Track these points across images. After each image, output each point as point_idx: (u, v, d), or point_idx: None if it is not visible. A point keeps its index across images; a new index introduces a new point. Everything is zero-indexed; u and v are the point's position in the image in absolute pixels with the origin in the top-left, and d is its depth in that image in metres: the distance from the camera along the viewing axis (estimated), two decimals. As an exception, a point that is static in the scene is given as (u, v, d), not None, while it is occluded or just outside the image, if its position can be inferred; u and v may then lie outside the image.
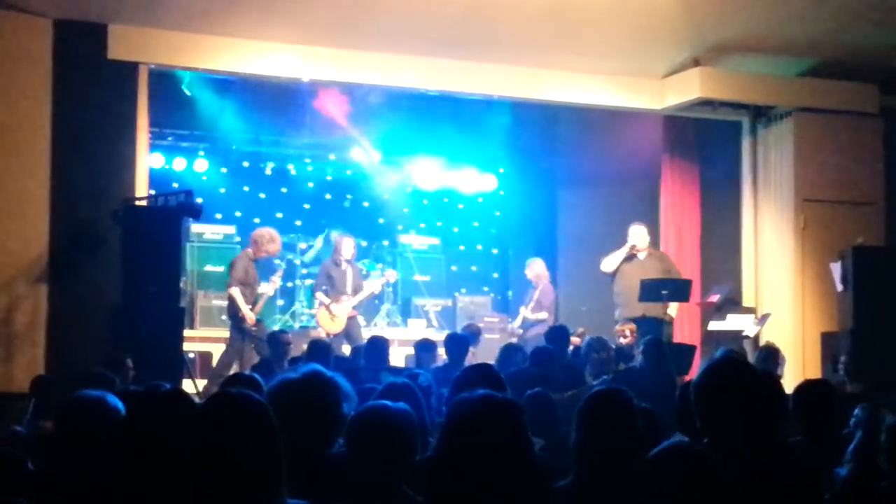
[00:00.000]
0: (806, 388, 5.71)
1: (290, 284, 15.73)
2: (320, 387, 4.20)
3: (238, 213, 15.98)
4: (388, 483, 3.75)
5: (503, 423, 3.58)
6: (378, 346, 10.08)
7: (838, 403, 5.57)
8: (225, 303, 13.48)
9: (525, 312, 14.40)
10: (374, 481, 3.74)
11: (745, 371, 3.95)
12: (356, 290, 13.77)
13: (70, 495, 4.11)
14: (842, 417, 5.60)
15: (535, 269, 14.77)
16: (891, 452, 4.25)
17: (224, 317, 13.76)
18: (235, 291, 12.49)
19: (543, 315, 14.25)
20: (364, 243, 15.95)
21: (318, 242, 15.67)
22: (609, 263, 13.17)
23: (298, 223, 16.66)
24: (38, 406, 6.90)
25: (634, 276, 12.77)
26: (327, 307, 13.53)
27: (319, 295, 13.73)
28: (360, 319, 14.28)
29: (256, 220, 14.88)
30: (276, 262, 14.29)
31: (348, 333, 13.51)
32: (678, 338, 13.34)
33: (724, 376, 3.86)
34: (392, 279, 15.17)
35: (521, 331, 14.40)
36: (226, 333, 13.42)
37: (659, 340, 9.88)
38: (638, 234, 13.20)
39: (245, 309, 12.45)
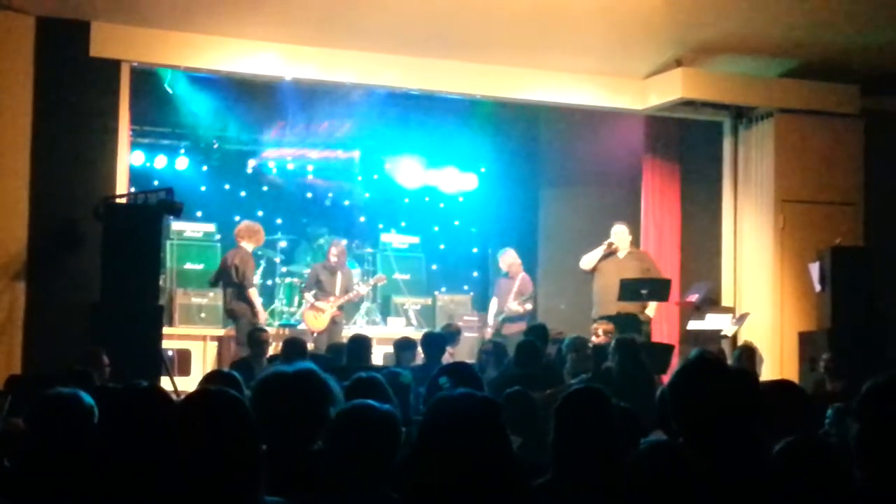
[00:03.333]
0: (773, 389, 5.70)
1: (269, 283, 15.72)
2: (313, 385, 4.20)
3: (218, 212, 15.94)
4: (367, 481, 3.75)
5: (481, 421, 3.59)
6: (361, 345, 10.09)
7: (807, 405, 5.57)
8: (204, 301, 13.50)
9: (511, 305, 14.21)
10: (352, 479, 3.74)
11: (719, 370, 3.97)
12: (346, 294, 14.02)
13: (45, 492, 4.10)
14: (814, 418, 5.61)
15: (510, 258, 14.69)
16: (861, 459, 4.26)
17: (203, 314, 13.78)
18: (255, 292, 12.88)
19: (529, 307, 14.26)
20: (344, 242, 15.95)
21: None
22: (587, 261, 13.22)
23: (279, 221, 16.64)
24: (14, 403, 6.88)
25: (612, 274, 12.81)
26: (313, 305, 13.69)
27: (307, 295, 13.98)
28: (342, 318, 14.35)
29: (237, 219, 14.85)
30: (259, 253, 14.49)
31: (330, 332, 13.66)
32: (657, 337, 13.37)
33: (698, 376, 3.88)
34: (380, 282, 15.21)
35: (493, 323, 14.29)
36: (204, 331, 13.51)
37: (630, 339, 9.87)
38: (618, 234, 13.24)
39: (262, 310, 13.04)
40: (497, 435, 3.65)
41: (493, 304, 14.65)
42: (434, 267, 17.21)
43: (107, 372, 8.87)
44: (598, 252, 13.15)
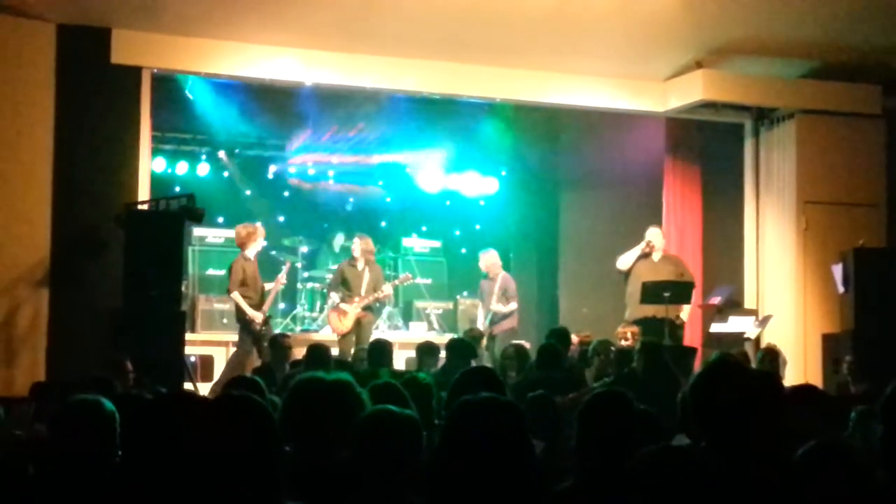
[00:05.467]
0: (795, 393, 5.67)
1: (291, 288, 15.70)
2: (348, 396, 4.19)
3: (240, 217, 15.92)
4: (389, 486, 3.74)
5: (504, 426, 3.58)
6: (381, 350, 10.06)
7: (830, 408, 5.54)
8: (226, 306, 13.45)
9: (495, 307, 14.01)
10: (375, 484, 3.74)
11: (740, 373, 3.96)
12: (373, 291, 13.58)
13: (68, 499, 4.11)
14: (838, 421, 5.57)
15: (490, 259, 14.47)
16: (886, 462, 4.24)
17: (225, 320, 13.76)
18: (237, 295, 12.49)
19: (514, 306, 14.08)
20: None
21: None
22: (625, 261, 13.12)
23: (300, 226, 16.65)
24: (39, 410, 6.91)
25: (646, 277, 12.72)
26: (337, 307, 13.48)
27: (333, 295, 13.74)
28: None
29: (258, 224, 14.86)
30: (282, 259, 14.35)
31: (358, 335, 13.33)
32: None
33: (719, 379, 3.87)
34: (407, 281, 15.01)
35: (488, 328, 13.92)
36: (227, 337, 13.41)
37: (654, 343, 9.83)
38: (654, 236, 13.19)
39: (250, 311, 12.43)
40: (520, 439, 3.64)
41: (480, 311, 14.48)
42: (455, 271, 17.20)
43: (130, 379, 8.88)
44: (636, 252, 13.07)
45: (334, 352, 11.58)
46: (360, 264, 13.71)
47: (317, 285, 15.30)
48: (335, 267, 14.66)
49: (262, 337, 12.30)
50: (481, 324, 14.13)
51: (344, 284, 13.64)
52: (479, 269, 14.73)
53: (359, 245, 13.79)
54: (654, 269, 12.94)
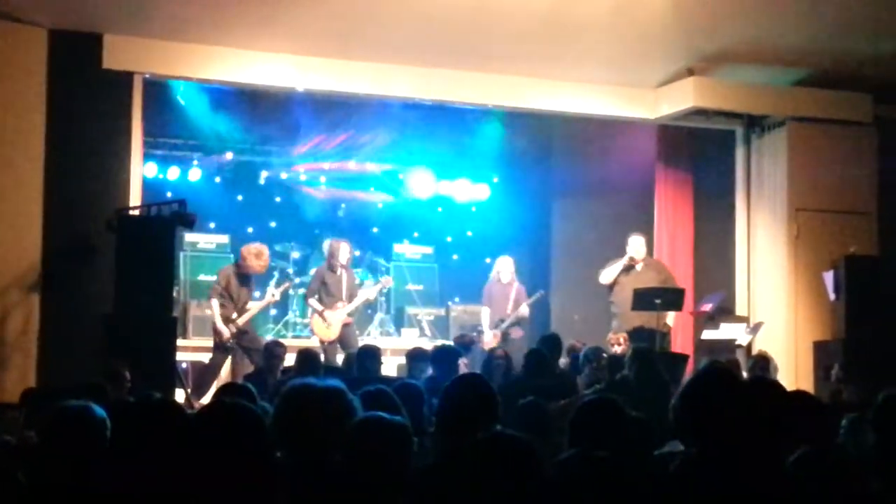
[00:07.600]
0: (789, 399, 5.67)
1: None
2: (340, 402, 4.18)
3: (231, 223, 15.92)
4: (381, 491, 3.75)
5: (521, 469, 3.52)
6: (370, 355, 10.04)
7: (822, 415, 5.54)
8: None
9: (524, 309, 13.98)
10: (366, 489, 3.74)
11: (730, 380, 3.97)
12: (351, 297, 13.51)
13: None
14: (831, 428, 5.58)
15: (512, 266, 14.41)
16: (879, 469, 4.25)
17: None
18: (214, 303, 12.67)
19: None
20: (357, 252, 15.87)
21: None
22: (607, 275, 13.11)
23: (292, 232, 16.62)
24: (29, 416, 6.90)
25: (631, 287, 12.73)
26: (320, 314, 13.37)
27: (312, 301, 13.48)
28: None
29: (250, 230, 14.85)
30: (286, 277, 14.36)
31: (343, 341, 13.27)
32: (671, 347, 13.31)
33: (708, 386, 3.88)
34: (388, 285, 15.02)
35: (497, 332, 13.91)
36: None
37: (646, 349, 9.84)
38: (636, 245, 13.16)
39: (218, 322, 12.57)
40: (532, 478, 3.59)
41: (486, 313, 14.33)
42: (447, 278, 17.18)
43: (126, 387, 8.84)
44: (618, 266, 13.06)
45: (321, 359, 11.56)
46: (339, 269, 13.63)
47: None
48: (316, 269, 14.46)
49: (229, 349, 12.44)
50: (489, 328, 14.07)
51: (323, 289, 13.52)
52: (472, 275, 14.76)
53: (346, 251, 13.75)
54: (637, 279, 12.95)
